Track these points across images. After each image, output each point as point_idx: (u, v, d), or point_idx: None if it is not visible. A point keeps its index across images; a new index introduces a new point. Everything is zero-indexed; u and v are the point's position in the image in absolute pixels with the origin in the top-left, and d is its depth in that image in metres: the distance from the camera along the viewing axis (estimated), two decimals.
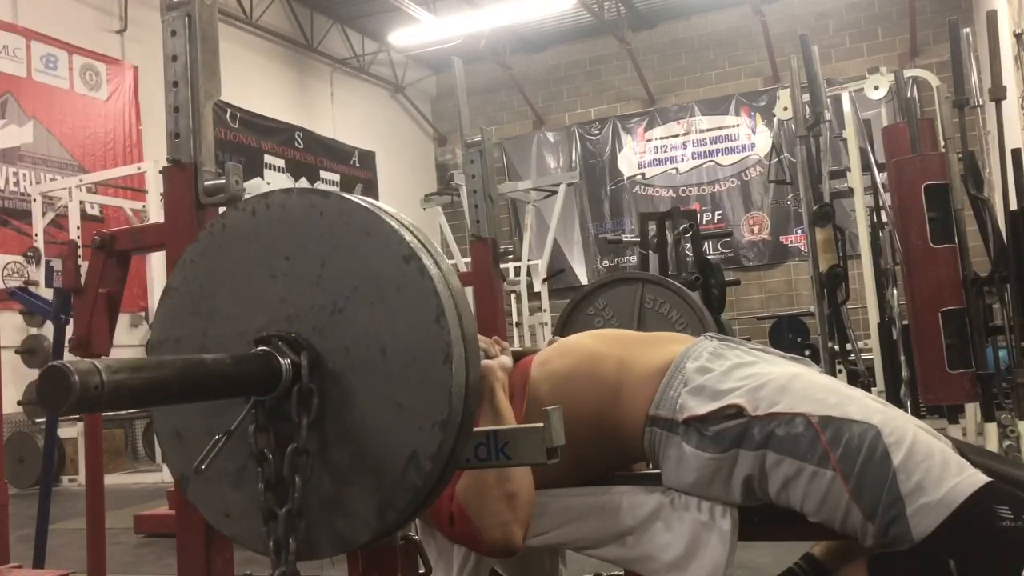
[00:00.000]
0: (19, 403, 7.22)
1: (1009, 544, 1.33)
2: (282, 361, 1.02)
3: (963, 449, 1.43)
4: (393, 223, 1.04)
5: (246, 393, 1.02)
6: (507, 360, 1.66)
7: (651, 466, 1.67)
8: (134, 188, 8.25)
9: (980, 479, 1.33)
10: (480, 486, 1.41)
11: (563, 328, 2.90)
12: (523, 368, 1.69)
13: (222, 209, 1.24)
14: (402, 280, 1.02)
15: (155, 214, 7.18)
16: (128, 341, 8.54)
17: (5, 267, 7.82)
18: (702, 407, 1.48)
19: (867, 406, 1.43)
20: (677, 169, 12.51)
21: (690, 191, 12.39)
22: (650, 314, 2.81)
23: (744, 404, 1.44)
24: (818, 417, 1.40)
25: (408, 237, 1.03)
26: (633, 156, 12.74)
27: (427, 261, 1.02)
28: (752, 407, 1.44)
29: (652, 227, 5.12)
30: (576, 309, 2.87)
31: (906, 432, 1.38)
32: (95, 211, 8.41)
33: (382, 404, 1.02)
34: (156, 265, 7.34)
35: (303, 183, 11.52)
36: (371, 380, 1.03)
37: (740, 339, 1.70)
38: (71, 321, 2.92)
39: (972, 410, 4.35)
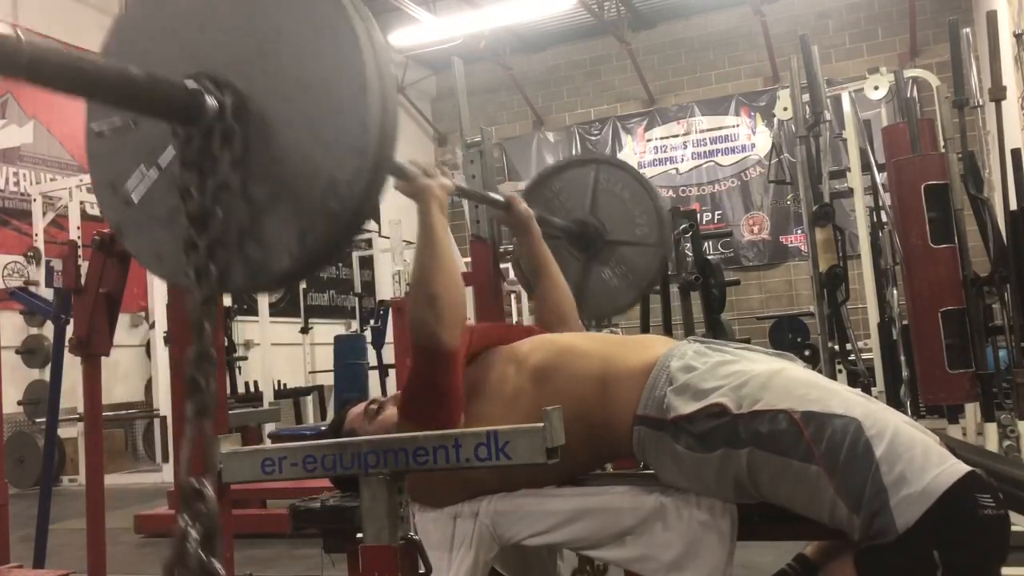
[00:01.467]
0: (19, 403, 7.23)
1: (992, 533, 1.34)
2: (208, 98, 1.06)
3: (953, 446, 1.44)
4: None
5: (170, 118, 1.07)
6: (447, 181, 1.73)
7: (641, 465, 1.68)
8: None
9: (962, 468, 1.34)
10: (410, 294, 1.57)
11: None
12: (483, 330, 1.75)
13: None
14: (321, 19, 1.06)
15: None
16: (128, 341, 8.55)
17: (5, 267, 7.83)
18: (687, 407, 1.48)
19: (848, 400, 1.44)
20: (677, 169, 12.51)
21: (690, 191, 12.39)
22: (604, 194, 2.81)
23: (727, 403, 1.45)
24: (800, 413, 1.40)
25: None
26: (633, 156, 12.74)
27: (346, 2, 1.07)
28: (735, 405, 1.45)
29: None
30: (532, 195, 2.85)
31: (887, 424, 1.38)
32: (95, 211, 8.41)
33: (303, 139, 1.06)
34: None
35: None
36: (293, 117, 1.07)
37: (724, 341, 1.71)
38: (71, 321, 2.93)
39: (972, 410, 4.35)
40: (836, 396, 1.44)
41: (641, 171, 12.89)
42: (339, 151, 1.05)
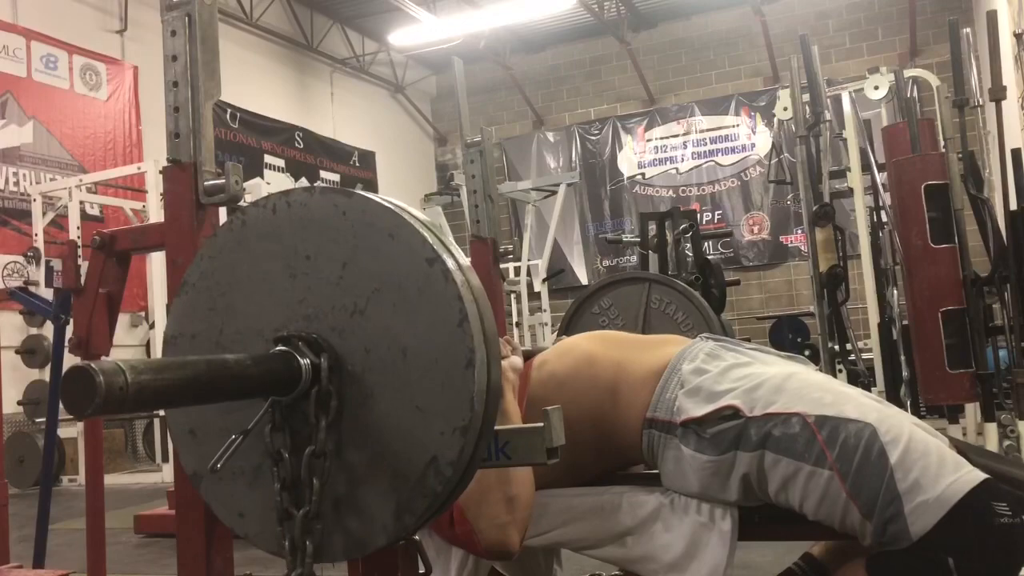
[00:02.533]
0: (19, 403, 7.23)
1: (1007, 541, 1.33)
2: (301, 361, 1.01)
3: (962, 448, 1.43)
4: (416, 225, 1.03)
5: (265, 394, 1.01)
6: (517, 360, 1.65)
7: (643, 466, 1.67)
8: (134, 188, 8.25)
9: (977, 476, 1.33)
10: (481, 488, 1.39)
11: (567, 327, 2.89)
12: (524, 369, 1.69)
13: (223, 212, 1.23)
14: (425, 283, 1.00)
15: (155, 214, 7.18)
16: (128, 341, 8.54)
17: (5, 267, 7.82)
18: (699, 409, 1.48)
19: (863, 404, 1.43)
20: (677, 169, 12.50)
21: (690, 191, 12.39)
22: (655, 314, 2.80)
23: (740, 405, 1.44)
24: (814, 416, 1.40)
25: (431, 239, 1.02)
26: (633, 156, 12.74)
27: (450, 264, 1.01)
28: (748, 408, 1.44)
29: (652, 227, 5.12)
30: (580, 308, 2.86)
31: (902, 430, 1.38)
32: (95, 211, 8.42)
33: (402, 407, 1.01)
34: (156, 265, 7.33)
35: (303, 183, 11.52)
36: (391, 382, 1.01)
37: (736, 340, 1.70)
38: (71, 321, 2.92)
39: (972, 410, 4.35)
40: (850, 401, 1.43)
41: (641, 171, 12.75)
42: (443, 429, 0.98)
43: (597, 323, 2.78)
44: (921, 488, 1.32)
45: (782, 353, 1.64)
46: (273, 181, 10.57)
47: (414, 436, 1.00)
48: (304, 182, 11.48)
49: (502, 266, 2.77)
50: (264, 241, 1.10)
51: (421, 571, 1.28)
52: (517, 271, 8.71)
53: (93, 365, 0.79)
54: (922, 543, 1.31)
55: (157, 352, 7.52)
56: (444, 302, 1.00)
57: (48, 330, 6.68)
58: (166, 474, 6.96)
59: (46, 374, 6.73)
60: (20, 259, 7.79)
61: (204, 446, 1.10)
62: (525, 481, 1.45)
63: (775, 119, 9.15)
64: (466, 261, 1.05)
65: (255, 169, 10.38)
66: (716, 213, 12.17)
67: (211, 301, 1.13)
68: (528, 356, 1.73)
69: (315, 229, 1.07)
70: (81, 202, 7.64)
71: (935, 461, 1.34)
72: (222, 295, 1.12)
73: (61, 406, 0.84)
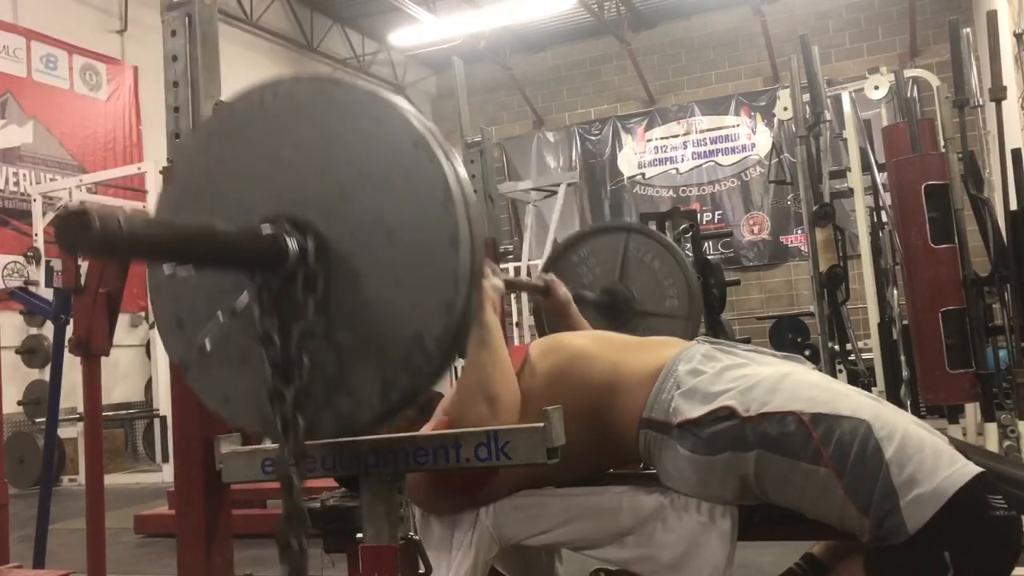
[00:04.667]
0: (19, 403, 7.23)
1: (1003, 534, 1.33)
2: (289, 241, 1.03)
3: (962, 448, 1.44)
4: (402, 110, 1.05)
5: (252, 268, 1.03)
6: (498, 282, 1.71)
7: (642, 466, 1.67)
8: (134, 188, 8.25)
9: (972, 469, 1.34)
10: (462, 390, 1.48)
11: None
12: (516, 355, 1.70)
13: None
14: (410, 165, 1.02)
15: None
16: (128, 341, 8.54)
17: (5, 267, 7.82)
18: (695, 410, 1.48)
19: (857, 402, 1.43)
20: (677, 169, 12.50)
21: (690, 191, 12.39)
22: (633, 263, 2.79)
23: (736, 406, 1.45)
24: (809, 415, 1.40)
25: (417, 124, 1.04)
26: (633, 156, 12.74)
27: (435, 148, 1.02)
28: (744, 408, 1.44)
29: (652, 227, 5.12)
30: (561, 258, 2.84)
31: (897, 426, 1.38)
32: None
33: (388, 287, 1.02)
34: None
35: None
36: (377, 263, 1.03)
37: (733, 341, 1.71)
38: (71, 321, 2.92)
39: (972, 410, 4.35)
40: (845, 398, 1.44)
41: (641, 171, 12.75)
42: (428, 306, 1.00)
43: (576, 273, 2.77)
44: (917, 483, 1.32)
45: (779, 353, 1.64)
46: None
47: (400, 314, 1.02)
48: None
49: (502, 266, 2.76)
50: (251, 131, 1.12)
51: (421, 571, 1.27)
52: (517, 271, 8.71)
53: (90, 208, 0.83)
54: (919, 537, 1.31)
55: (157, 352, 7.52)
56: (428, 183, 1.01)
57: (48, 330, 6.67)
58: (166, 474, 6.96)
59: (46, 374, 6.72)
60: (20, 259, 7.79)
61: (191, 334, 1.12)
62: (504, 381, 1.51)
63: (775, 119, 9.15)
64: (453, 150, 1.06)
65: None
66: (716, 213, 12.17)
67: (199, 190, 1.14)
68: (513, 286, 1.78)
69: (303, 117, 1.08)
70: (81, 202, 7.63)
71: (930, 456, 1.35)
72: (210, 185, 1.13)
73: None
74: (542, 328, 2.63)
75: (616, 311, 2.76)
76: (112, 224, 0.82)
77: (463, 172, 1.05)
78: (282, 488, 1.02)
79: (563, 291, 2.18)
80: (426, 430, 1.58)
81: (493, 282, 1.69)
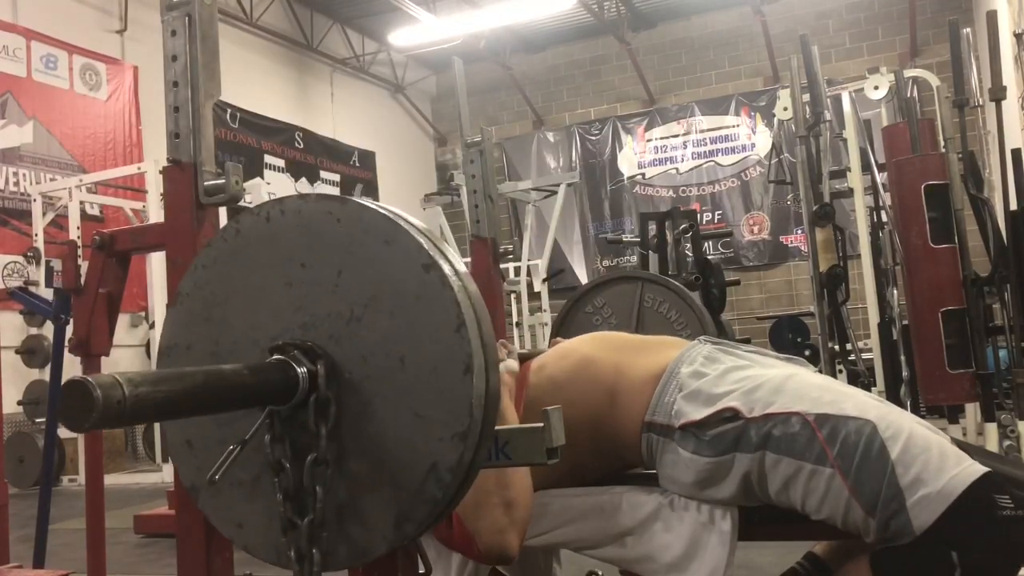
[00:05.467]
0: (19, 403, 7.23)
1: (1010, 534, 1.33)
2: (299, 370, 1.00)
3: (963, 448, 1.43)
4: (412, 231, 1.02)
5: (263, 403, 1.01)
6: (513, 364, 1.65)
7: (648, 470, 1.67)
8: (134, 188, 8.25)
9: (978, 469, 1.34)
10: (479, 493, 1.37)
11: (561, 326, 2.89)
12: (522, 372, 1.69)
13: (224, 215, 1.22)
14: (422, 289, 1.00)
15: (155, 214, 7.18)
16: (128, 341, 8.55)
17: (5, 267, 7.82)
18: (698, 412, 1.47)
19: (862, 402, 1.43)
20: (677, 169, 12.50)
21: (690, 191, 12.39)
22: (649, 313, 2.79)
23: (739, 407, 1.44)
24: (814, 415, 1.40)
25: (427, 245, 1.01)
26: (633, 156, 12.74)
27: (447, 270, 1.00)
28: (747, 409, 1.44)
29: (652, 227, 5.13)
30: (574, 308, 2.85)
31: (902, 426, 1.38)
32: (95, 211, 8.42)
33: (400, 414, 1.00)
34: (156, 265, 7.34)
35: (303, 183, 11.53)
36: (389, 390, 1.01)
37: (734, 342, 1.70)
38: (71, 321, 2.92)
39: (972, 410, 4.35)
40: (850, 399, 1.43)
41: (641, 171, 12.74)
42: (442, 436, 0.98)
43: (591, 322, 2.77)
44: (923, 482, 1.32)
45: (780, 355, 1.64)
46: (273, 181, 10.59)
47: (414, 443, 1.00)
48: (304, 182, 11.49)
49: (502, 266, 2.76)
50: (258, 250, 1.09)
51: (421, 571, 1.27)
52: (517, 271, 8.70)
53: (90, 379, 0.79)
54: (925, 537, 1.31)
55: (156, 352, 7.50)
56: (441, 308, 0.99)
57: (48, 330, 6.68)
58: (166, 474, 6.96)
59: (46, 374, 6.72)
60: (20, 259, 7.79)
61: (201, 458, 1.10)
62: (523, 485, 1.44)
63: (775, 119, 9.14)
64: (463, 267, 1.04)
65: (255, 169, 10.37)
66: (716, 213, 12.17)
67: (206, 311, 1.12)
68: (525, 359, 1.73)
69: (310, 237, 1.06)
70: (81, 202, 7.64)
71: (936, 456, 1.35)
72: (217, 305, 1.11)
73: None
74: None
75: None
76: (115, 395, 0.80)
77: (474, 290, 1.02)
78: None
79: None
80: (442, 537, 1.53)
81: (508, 365, 1.62)
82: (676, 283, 3.04)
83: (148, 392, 0.84)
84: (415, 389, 1.00)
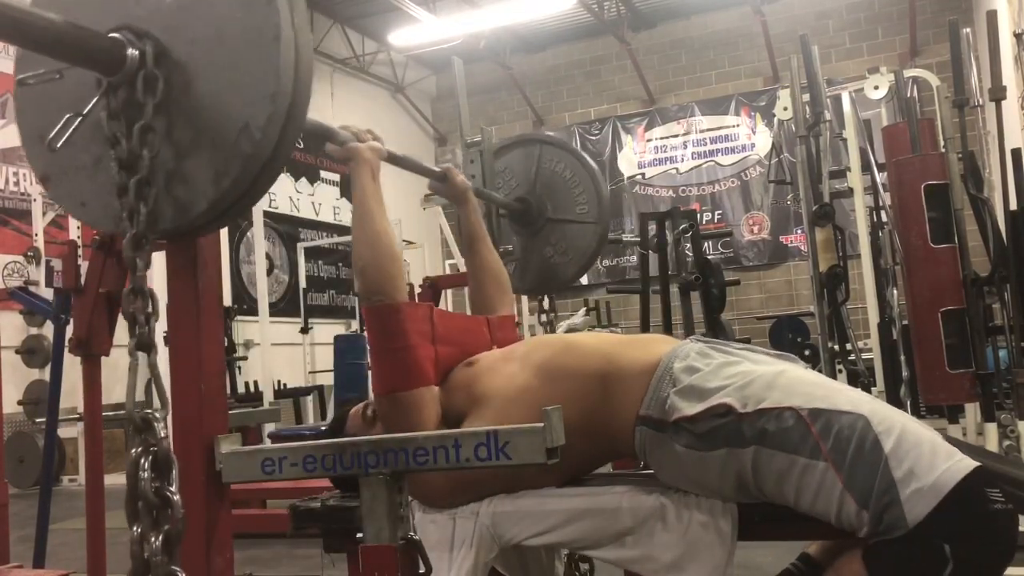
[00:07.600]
0: (19, 403, 7.23)
1: (1002, 526, 1.35)
2: (129, 48, 1.13)
3: (957, 445, 1.44)
4: None
5: (93, 66, 1.13)
6: (378, 145, 1.78)
7: (641, 465, 1.67)
8: None
9: (970, 463, 1.35)
10: (354, 267, 1.67)
11: None
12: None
13: None
14: None
15: None
16: (128, 341, 8.54)
17: (5, 267, 7.83)
18: (691, 408, 1.48)
19: (855, 398, 1.44)
20: (677, 169, 12.51)
21: (690, 191, 12.39)
22: (546, 173, 2.89)
23: (733, 402, 1.45)
24: (807, 410, 1.41)
25: None
26: (633, 156, 12.75)
27: None
28: (741, 405, 1.44)
29: (652, 227, 5.12)
30: None
31: (894, 421, 1.39)
32: None
33: (220, 85, 1.14)
34: (156, 265, 7.33)
35: (303, 184, 11.54)
36: (211, 65, 1.14)
37: (726, 340, 1.71)
38: (71, 321, 2.92)
39: (972, 410, 4.35)
40: (842, 394, 1.45)
41: (641, 171, 12.75)
42: (252, 97, 1.12)
43: (494, 185, 2.88)
44: (916, 476, 1.33)
45: (772, 352, 1.64)
46: None
47: (230, 109, 1.13)
48: (304, 183, 11.51)
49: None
50: None
51: (421, 571, 1.28)
52: None
53: None
54: (918, 530, 1.32)
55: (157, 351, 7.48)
56: None
57: (48, 330, 6.68)
58: None
59: (46, 374, 6.72)
60: (20, 259, 7.79)
61: (50, 146, 1.21)
62: (370, 250, 1.64)
63: (775, 119, 9.13)
64: None
65: None
66: (716, 213, 12.17)
67: (48, 3, 1.21)
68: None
69: None
70: None
71: (928, 450, 1.36)
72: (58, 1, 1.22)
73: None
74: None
75: (530, 218, 2.88)
76: None
77: None
78: (129, 269, 1.16)
79: (461, 179, 2.24)
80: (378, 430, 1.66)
81: (372, 145, 1.76)
82: (570, 145, 3.21)
83: None
84: (232, 62, 1.14)
